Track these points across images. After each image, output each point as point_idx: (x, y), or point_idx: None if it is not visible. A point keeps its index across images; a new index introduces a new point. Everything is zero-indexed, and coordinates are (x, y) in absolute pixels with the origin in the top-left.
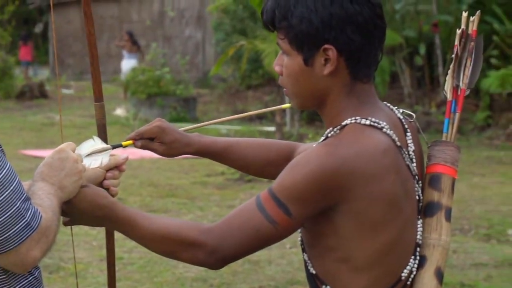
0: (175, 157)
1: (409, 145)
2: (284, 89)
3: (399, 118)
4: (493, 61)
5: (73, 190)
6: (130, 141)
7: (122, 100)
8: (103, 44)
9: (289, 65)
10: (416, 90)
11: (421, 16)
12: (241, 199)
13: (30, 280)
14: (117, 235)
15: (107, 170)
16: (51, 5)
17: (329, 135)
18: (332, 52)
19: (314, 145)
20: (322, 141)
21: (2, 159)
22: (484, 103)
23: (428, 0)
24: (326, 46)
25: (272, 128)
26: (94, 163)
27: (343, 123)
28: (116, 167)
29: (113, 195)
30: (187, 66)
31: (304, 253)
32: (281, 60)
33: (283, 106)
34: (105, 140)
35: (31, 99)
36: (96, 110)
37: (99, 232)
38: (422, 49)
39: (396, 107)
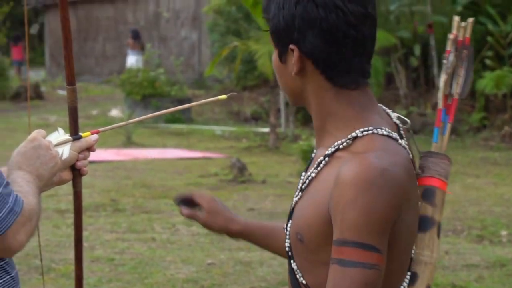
0: (169, 158)
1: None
2: None
3: (395, 123)
4: (488, 62)
5: (50, 177)
6: (89, 132)
7: (118, 101)
8: (99, 46)
9: (273, 59)
10: (411, 91)
11: (415, 17)
12: (234, 200)
13: (7, 279)
14: (110, 236)
15: (79, 152)
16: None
17: (341, 147)
18: (296, 53)
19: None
20: (333, 154)
21: None
22: (479, 104)
23: (422, 1)
24: (290, 46)
25: (266, 129)
26: None
27: (354, 135)
28: (87, 149)
29: (83, 175)
30: (182, 67)
31: (292, 261)
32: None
33: (220, 97)
34: (76, 123)
35: (26, 100)
36: (68, 93)
37: (91, 234)
38: (417, 50)
39: (391, 111)
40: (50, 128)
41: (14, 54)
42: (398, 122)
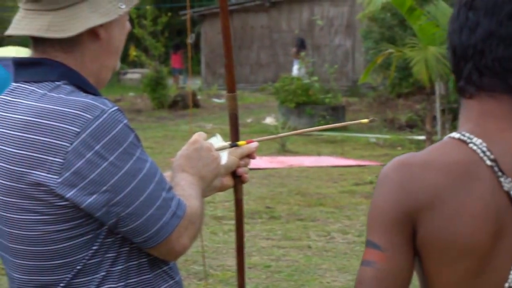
0: (324, 165)
1: None
2: None
3: None
4: None
5: (212, 178)
6: (244, 142)
7: (272, 109)
8: (253, 54)
9: None
10: None
11: None
12: None
13: (171, 284)
14: (266, 243)
15: (240, 159)
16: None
17: None
18: None
19: None
20: None
21: (144, 153)
22: None
23: None
24: None
25: (422, 137)
26: None
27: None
28: (247, 155)
29: (244, 182)
30: (336, 74)
31: None
32: None
33: (362, 121)
34: (236, 130)
35: (183, 108)
36: (229, 100)
37: (248, 240)
38: None
39: None
40: (206, 135)
41: (173, 62)
42: None
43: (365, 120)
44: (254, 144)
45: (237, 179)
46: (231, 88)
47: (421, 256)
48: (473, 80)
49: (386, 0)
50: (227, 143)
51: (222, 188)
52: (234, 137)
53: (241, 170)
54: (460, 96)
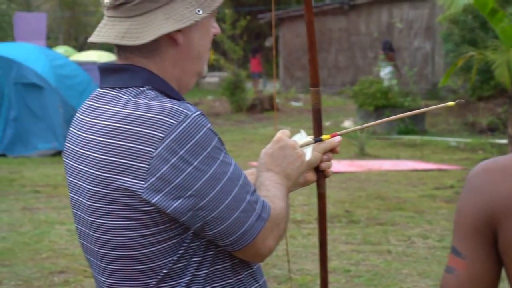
0: (403, 169)
1: None
2: None
3: None
4: None
5: (297, 176)
6: (329, 136)
7: (350, 112)
8: (331, 57)
9: None
10: None
11: None
12: None
13: (256, 287)
14: (345, 247)
15: (323, 153)
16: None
17: None
18: None
19: None
20: None
21: (228, 157)
22: None
23: None
24: None
25: (504, 141)
26: None
27: None
28: (330, 150)
29: (327, 177)
30: (415, 77)
31: None
32: None
33: (449, 103)
34: (320, 125)
35: (261, 111)
36: (312, 95)
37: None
38: None
39: None
40: None
41: (252, 67)
42: None
43: (452, 103)
44: (337, 138)
45: (320, 173)
46: (315, 83)
47: (503, 263)
48: None
49: (467, 2)
50: (311, 138)
51: (305, 183)
52: (317, 131)
53: (324, 165)
54: None
